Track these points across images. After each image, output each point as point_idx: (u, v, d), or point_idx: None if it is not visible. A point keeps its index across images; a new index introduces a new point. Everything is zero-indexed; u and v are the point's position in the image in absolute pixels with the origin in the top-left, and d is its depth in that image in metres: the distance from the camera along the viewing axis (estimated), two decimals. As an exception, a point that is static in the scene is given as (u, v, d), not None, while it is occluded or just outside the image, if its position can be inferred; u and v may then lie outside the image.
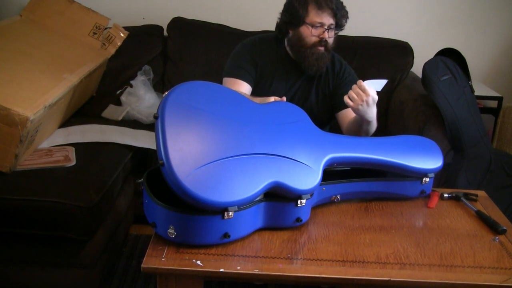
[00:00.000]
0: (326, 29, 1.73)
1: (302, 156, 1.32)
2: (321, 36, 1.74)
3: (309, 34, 1.74)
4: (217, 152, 1.20)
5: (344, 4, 1.77)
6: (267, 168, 1.24)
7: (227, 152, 1.21)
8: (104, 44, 2.44)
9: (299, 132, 1.37)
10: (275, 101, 1.48)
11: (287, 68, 1.86)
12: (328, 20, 1.72)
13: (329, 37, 1.76)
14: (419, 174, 1.50)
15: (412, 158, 1.48)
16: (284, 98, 1.52)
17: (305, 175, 1.30)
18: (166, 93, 1.24)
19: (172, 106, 1.20)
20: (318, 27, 1.73)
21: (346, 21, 1.77)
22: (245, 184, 1.20)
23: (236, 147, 1.23)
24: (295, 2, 1.75)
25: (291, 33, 1.80)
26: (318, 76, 1.88)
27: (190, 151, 1.17)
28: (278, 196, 1.28)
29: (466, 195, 1.55)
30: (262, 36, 1.94)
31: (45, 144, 1.95)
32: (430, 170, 1.51)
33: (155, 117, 1.19)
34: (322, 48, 1.76)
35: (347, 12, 1.76)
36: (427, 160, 1.51)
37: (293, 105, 1.45)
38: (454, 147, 2.09)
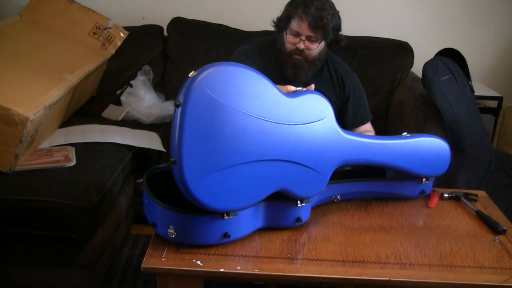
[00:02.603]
0: (301, 39, 1.71)
1: (315, 162, 1.28)
2: (296, 45, 1.72)
3: (286, 41, 1.74)
4: (233, 157, 1.15)
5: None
6: (277, 175, 1.22)
7: (242, 157, 1.16)
8: (104, 44, 2.44)
9: (319, 134, 1.30)
10: (305, 93, 1.30)
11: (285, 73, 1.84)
12: (305, 31, 1.69)
13: (307, 48, 1.72)
14: (423, 177, 1.50)
15: (422, 164, 1.47)
16: (313, 86, 1.39)
17: (312, 181, 1.29)
18: (194, 73, 1.10)
19: (197, 97, 1.08)
20: (295, 36, 1.72)
21: (332, 33, 1.72)
22: (252, 193, 1.20)
23: (253, 151, 1.18)
24: (287, 8, 1.75)
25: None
26: (318, 83, 1.84)
27: (206, 153, 1.11)
28: (278, 197, 1.27)
29: (466, 195, 1.55)
30: (265, 39, 1.92)
31: (45, 144, 1.95)
32: (434, 174, 1.51)
33: (177, 106, 1.08)
34: (299, 57, 1.73)
35: (329, 25, 1.69)
36: (435, 166, 1.50)
37: (321, 99, 1.32)
38: (454, 147, 2.09)
